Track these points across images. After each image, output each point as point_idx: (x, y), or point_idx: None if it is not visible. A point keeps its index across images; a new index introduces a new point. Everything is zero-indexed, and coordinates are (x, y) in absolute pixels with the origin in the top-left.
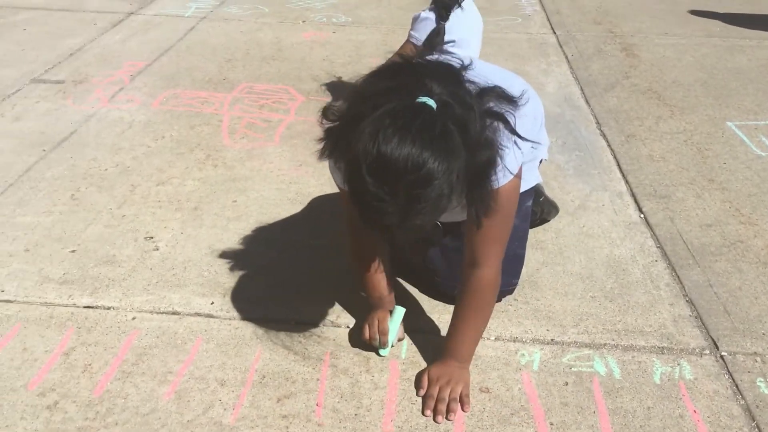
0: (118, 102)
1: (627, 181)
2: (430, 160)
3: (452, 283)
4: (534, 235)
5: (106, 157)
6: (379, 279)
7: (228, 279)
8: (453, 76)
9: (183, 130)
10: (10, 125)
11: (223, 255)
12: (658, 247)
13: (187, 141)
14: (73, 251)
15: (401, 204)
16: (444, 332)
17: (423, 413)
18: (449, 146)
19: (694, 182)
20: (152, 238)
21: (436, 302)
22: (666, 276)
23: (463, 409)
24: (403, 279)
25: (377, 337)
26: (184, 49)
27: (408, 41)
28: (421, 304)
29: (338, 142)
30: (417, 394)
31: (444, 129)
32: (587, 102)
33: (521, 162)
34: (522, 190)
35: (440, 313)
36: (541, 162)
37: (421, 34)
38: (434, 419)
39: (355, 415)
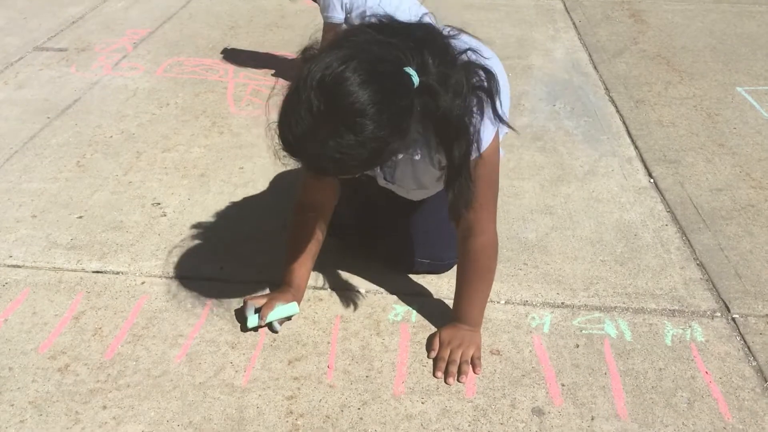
0: (121, 69)
1: (636, 147)
2: (372, 121)
3: (410, 260)
4: (543, 200)
5: (111, 125)
6: (301, 268)
7: (236, 245)
8: (449, 54)
9: (188, 98)
10: (14, 93)
11: (231, 221)
12: (668, 212)
13: (192, 108)
14: (80, 217)
15: (319, 131)
16: (453, 296)
17: (434, 375)
18: (398, 125)
19: (704, 147)
20: (159, 204)
21: None
22: (676, 240)
23: (474, 372)
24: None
25: (256, 305)
26: (186, 17)
27: (329, 25)
28: None
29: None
30: (428, 356)
31: (406, 108)
32: (595, 68)
33: (497, 128)
34: None
35: (450, 278)
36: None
37: (336, 12)
38: (445, 381)
39: (366, 377)
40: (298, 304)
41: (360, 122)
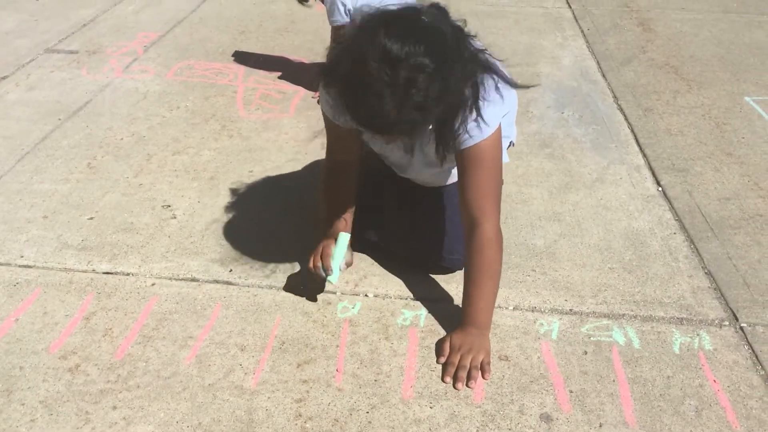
0: (132, 72)
1: (645, 155)
2: (428, 55)
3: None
4: (551, 207)
5: (122, 127)
6: (342, 211)
7: (246, 247)
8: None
9: (198, 101)
10: (26, 94)
11: (241, 224)
12: (676, 220)
13: (202, 111)
14: (91, 218)
15: (399, 88)
16: (461, 301)
17: (443, 380)
18: (446, 53)
19: (712, 156)
20: (169, 206)
21: (453, 273)
22: (685, 248)
23: (483, 377)
24: (390, 248)
25: (320, 264)
26: (197, 21)
27: (335, 29)
28: (438, 274)
29: (335, 66)
30: (437, 362)
31: (442, 39)
32: (604, 76)
33: (503, 115)
34: None
35: (458, 283)
36: (510, 145)
37: (339, 16)
38: (454, 386)
39: (375, 381)
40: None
41: (422, 62)
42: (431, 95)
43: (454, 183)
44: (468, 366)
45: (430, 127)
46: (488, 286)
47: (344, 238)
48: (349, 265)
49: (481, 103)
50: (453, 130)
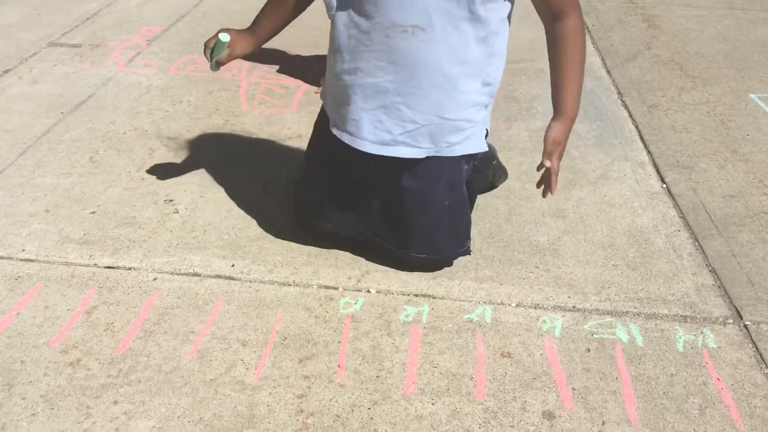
0: (135, 66)
1: (649, 152)
2: None
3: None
4: (555, 203)
5: (124, 121)
6: (266, 21)
7: (248, 242)
8: None
9: (201, 96)
10: (28, 88)
11: (243, 219)
12: (680, 217)
13: (205, 106)
14: (93, 212)
15: None
16: (464, 298)
17: (548, 193)
18: None
19: (717, 153)
20: (172, 201)
21: (456, 269)
22: (689, 246)
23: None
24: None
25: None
26: (200, 15)
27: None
28: (442, 270)
29: None
30: (544, 163)
31: None
32: (608, 72)
33: None
34: (463, 153)
35: (461, 279)
36: (487, 135)
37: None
38: (548, 193)
39: (377, 377)
40: (244, 52)
41: None
42: None
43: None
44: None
45: None
46: (577, 73)
47: (221, 44)
48: (222, 63)
49: None
50: None
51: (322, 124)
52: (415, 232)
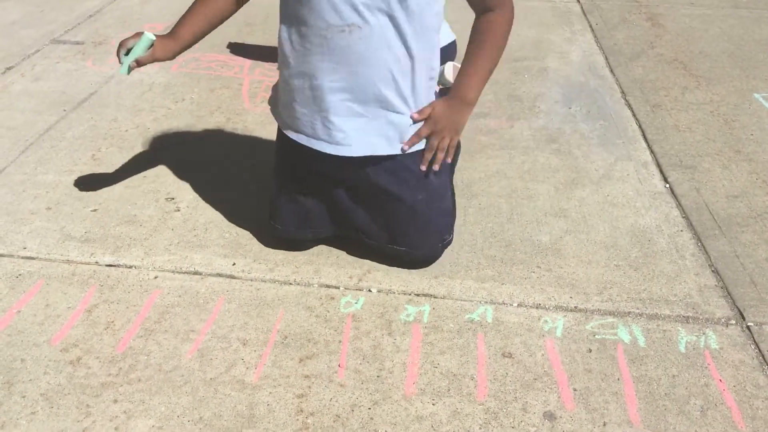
0: None
1: (652, 151)
2: None
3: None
4: (557, 203)
5: (127, 119)
6: (191, 23)
7: (249, 241)
8: None
9: (203, 93)
10: (31, 85)
11: (245, 217)
12: (683, 217)
13: (207, 104)
14: (95, 210)
15: None
16: (465, 297)
17: (420, 166)
18: None
19: (720, 153)
20: (173, 199)
21: (458, 268)
22: (691, 246)
23: (445, 159)
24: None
25: (121, 51)
26: None
27: None
28: (443, 269)
29: None
30: (420, 133)
31: None
32: (612, 71)
33: None
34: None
35: (462, 279)
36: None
37: None
38: (420, 166)
39: (378, 376)
40: (164, 57)
41: None
42: None
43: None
44: (435, 148)
45: None
46: (487, 60)
47: (144, 42)
48: (141, 63)
49: None
50: None
51: (279, 132)
52: (392, 227)
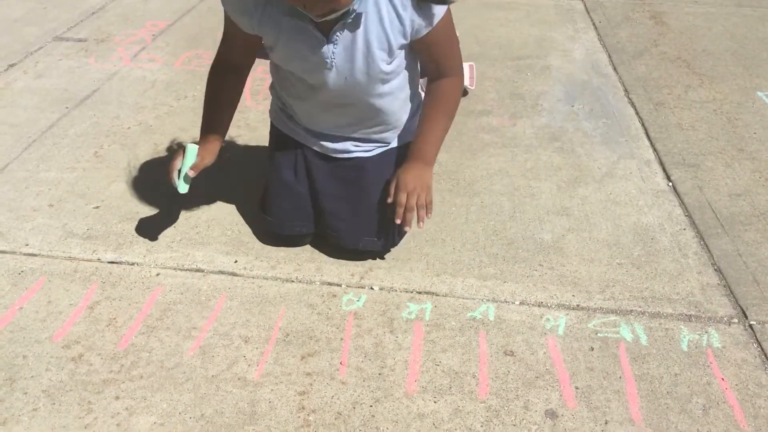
0: (140, 61)
1: (655, 149)
2: None
3: (352, 239)
4: (560, 201)
5: (129, 116)
6: (216, 127)
7: (251, 239)
8: None
9: None
10: (33, 82)
11: (246, 215)
12: (686, 216)
13: None
14: (97, 207)
15: None
16: (467, 295)
17: (394, 221)
18: None
19: (723, 151)
20: (175, 196)
21: (460, 266)
22: (694, 244)
23: (426, 215)
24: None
25: (173, 176)
26: (205, 10)
27: None
28: (445, 267)
29: None
30: (388, 201)
31: None
32: (615, 69)
33: None
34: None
35: (464, 277)
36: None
37: None
38: (403, 228)
39: (379, 374)
40: (212, 160)
41: None
42: None
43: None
44: (415, 207)
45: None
46: (441, 123)
47: (191, 150)
48: (196, 169)
49: None
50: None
51: (273, 129)
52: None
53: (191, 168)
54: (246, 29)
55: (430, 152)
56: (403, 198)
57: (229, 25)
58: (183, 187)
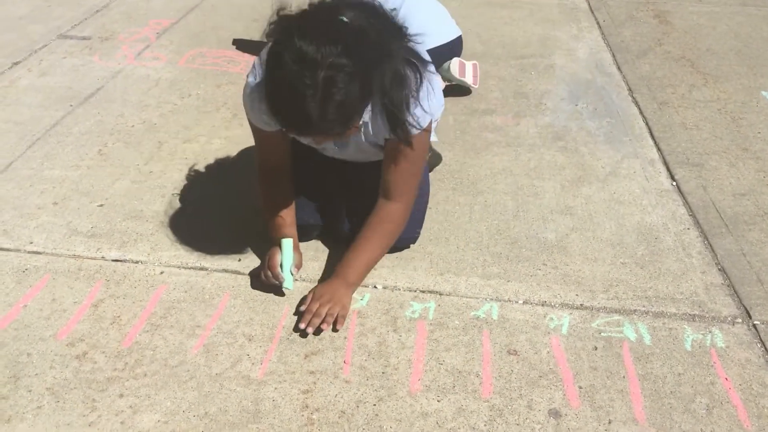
0: (144, 59)
1: (659, 149)
2: (346, 55)
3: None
4: (563, 200)
5: (133, 114)
6: (286, 225)
7: (255, 237)
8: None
9: (209, 89)
10: (38, 80)
11: (250, 213)
12: (690, 215)
13: (214, 99)
14: (101, 205)
15: (320, 90)
16: (471, 294)
17: (298, 326)
18: (366, 51)
19: (727, 151)
20: (179, 194)
21: (464, 265)
22: (698, 244)
23: (334, 328)
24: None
25: (269, 274)
26: (209, 8)
27: None
28: (449, 266)
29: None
30: (298, 308)
31: (361, 37)
32: (619, 68)
33: (430, 119)
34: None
35: (468, 276)
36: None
37: None
38: (304, 330)
39: (383, 373)
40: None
41: (339, 62)
42: (353, 94)
43: None
44: (323, 315)
45: (363, 121)
46: (373, 251)
47: (287, 244)
48: (299, 267)
49: (423, 93)
50: (403, 120)
51: None
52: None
53: (295, 266)
54: (270, 128)
55: (352, 276)
56: (314, 307)
57: (256, 132)
58: (289, 283)
